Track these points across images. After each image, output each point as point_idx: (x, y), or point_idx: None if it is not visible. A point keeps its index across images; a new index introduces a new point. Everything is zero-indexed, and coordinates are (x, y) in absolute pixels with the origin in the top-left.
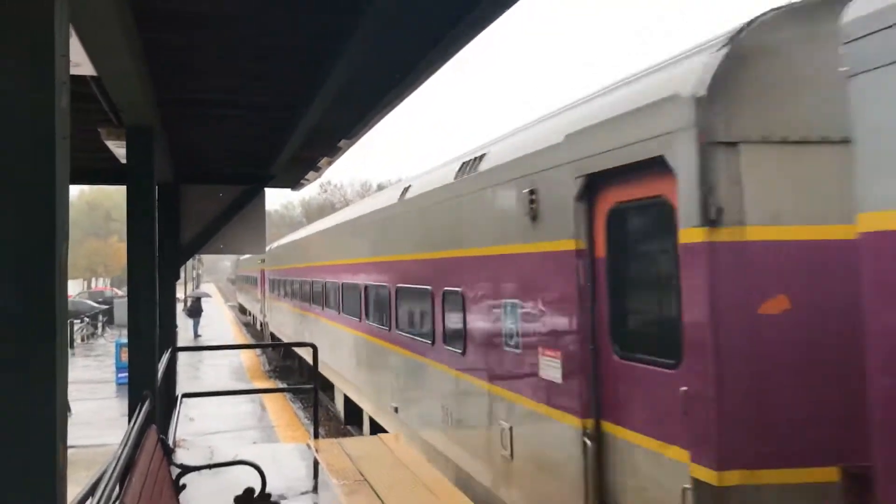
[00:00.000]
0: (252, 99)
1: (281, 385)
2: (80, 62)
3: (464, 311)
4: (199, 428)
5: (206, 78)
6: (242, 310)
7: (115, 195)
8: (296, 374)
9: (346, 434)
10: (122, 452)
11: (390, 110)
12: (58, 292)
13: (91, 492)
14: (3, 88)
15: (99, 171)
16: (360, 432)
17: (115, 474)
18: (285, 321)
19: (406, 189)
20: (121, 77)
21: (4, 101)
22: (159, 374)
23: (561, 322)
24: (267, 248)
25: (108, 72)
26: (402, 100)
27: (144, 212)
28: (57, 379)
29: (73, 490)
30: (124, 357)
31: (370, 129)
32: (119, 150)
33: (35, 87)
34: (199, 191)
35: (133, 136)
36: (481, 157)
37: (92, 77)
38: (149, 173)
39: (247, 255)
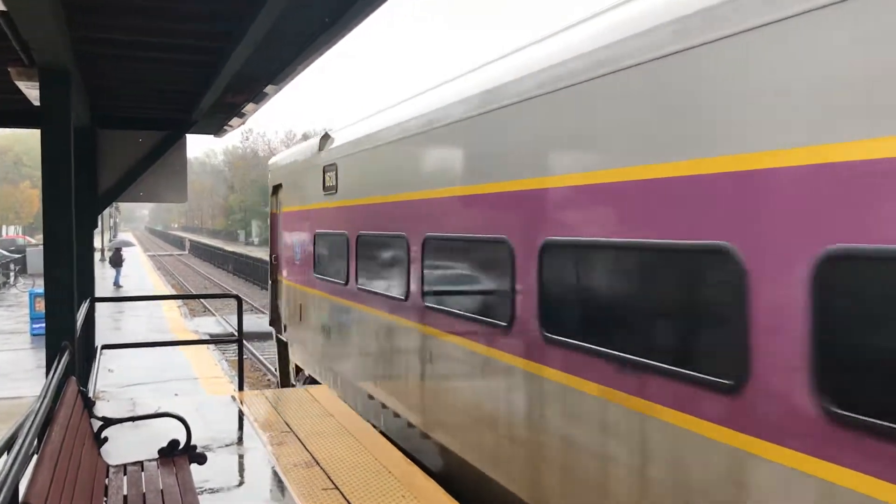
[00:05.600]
0: (174, 41)
1: (204, 336)
2: None
3: None
4: (119, 380)
5: (123, 16)
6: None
7: (27, 139)
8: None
9: (271, 386)
10: (40, 405)
11: (319, 56)
12: None
13: (8, 446)
14: None
15: (11, 113)
16: None
17: (33, 427)
18: None
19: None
20: (31, 13)
21: None
22: (78, 325)
23: None
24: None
25: (17, 7)
26: (331, 45)
27: (60, 157)
28: None
29: None
30: (39, 307)
31: (297, 74)
32: (32, 91)
33: None
34: (117, 136)
35: (46, 76)
36: None
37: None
38: (64, 116)
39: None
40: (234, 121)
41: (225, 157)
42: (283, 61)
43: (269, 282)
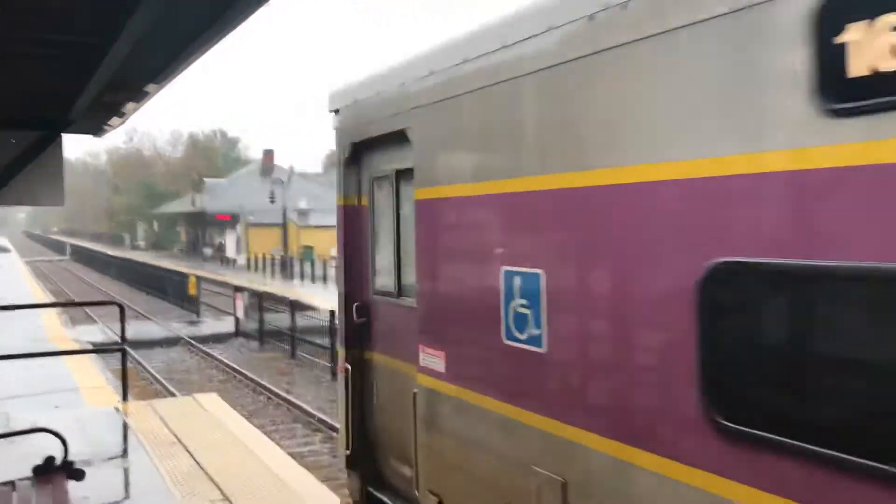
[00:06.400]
0: (46, 36)
1: (86, 345)
2: None
3: None
4: None
5: None
6: None
7: None
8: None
9: (158, 396)
10: None
11: (202, 54)
12: None
13: None
14: None
15: None
16: None
17: None
18: None
19: None
20: None
21: None
22: None
23: None
24: None
25: None
26: (214, 43)
27: None
28: None
29: None
30: None
31: (181, 73)
32: None
33: None
34: None
35: None
36: None
37: None
38: None
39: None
40: (115, 120)
41: (109, 158)
42: (165, 59)
43: (344, 365)
